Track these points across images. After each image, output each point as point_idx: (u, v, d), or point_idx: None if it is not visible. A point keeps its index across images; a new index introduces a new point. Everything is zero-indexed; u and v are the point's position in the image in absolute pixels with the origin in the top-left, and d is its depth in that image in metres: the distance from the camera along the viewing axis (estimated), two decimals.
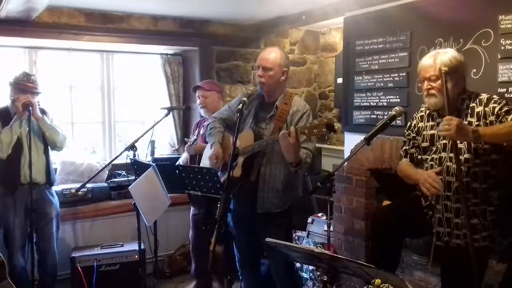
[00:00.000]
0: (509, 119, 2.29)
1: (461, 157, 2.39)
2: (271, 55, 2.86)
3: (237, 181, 2.82)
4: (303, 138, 2.62)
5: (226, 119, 3.09)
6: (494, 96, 2.41)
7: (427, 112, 2.61)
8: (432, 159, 2.52)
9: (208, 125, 3.16)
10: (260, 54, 2.93)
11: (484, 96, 2.41)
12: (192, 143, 3.80)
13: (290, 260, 2.83)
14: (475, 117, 2.39)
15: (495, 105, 2.35)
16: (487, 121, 2.35)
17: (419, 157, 2.62)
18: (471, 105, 2.42)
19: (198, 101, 3.91)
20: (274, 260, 3.03)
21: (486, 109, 2.36)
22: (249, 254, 3.13)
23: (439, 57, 2.41)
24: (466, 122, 2.37)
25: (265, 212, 2.85)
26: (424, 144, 2.59)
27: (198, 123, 4.13)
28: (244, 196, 2.88)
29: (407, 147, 2.69)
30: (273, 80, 2.86)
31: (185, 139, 3.83)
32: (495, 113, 2.33)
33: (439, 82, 2.37)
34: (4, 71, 4.11)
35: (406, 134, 2.71)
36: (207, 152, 3.22)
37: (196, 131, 3.96)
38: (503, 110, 2.32)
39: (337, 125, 5.17)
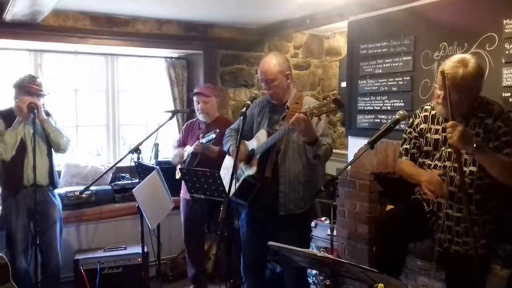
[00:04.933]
0: (506, 151, 2.25)
1: (465, 169, 2.35)
2: (270, 65, 2.85)
3: (254, 179, 2.83)
4: (315, 122, 2.65)
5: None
6: (504, 113, 2.34)
7: (432, 113, 2.52)
8: (435, 166, 2.47)
9: (225, 135, 3.21)
10: (260, 68, 2.92)
11: (495, 108, 2.34)
12: (207, 142, 3.68)
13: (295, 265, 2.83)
14: (483, 128, 2.33)
15: (502, 124, 2.29)
16: (487, 135, 2.31)
17: (420, 160, 2.56)
18: (479, 115, 2.35)
19: (197, 106, 3.89)
20: (285, 264, 3.03)
21: (494, 124, 2.30)
22: (255, 258, 3.12)
23: (464, 71, 2.23)
24: (474, 132, 2.33)
25: (287, 214, 2.84)
26: (427, 148, 2.52)
27: (191, 125, 4.06)
28: (261, 198, 2.88)
29: (408, 146, 2.60)
30: (280, 88, 2.88)
31: (201, 135, 3.72)
32: (498, 133, 2.29)
33: (456, 97, 2.26)
34: (9, 73, 4.13)
35: (407, 131, 2.62)
36: (227, 161, 3.22)
37: (217, 130, 3.78)
38: (504, 139, 2.27)
39: (341, 129, 5.18)
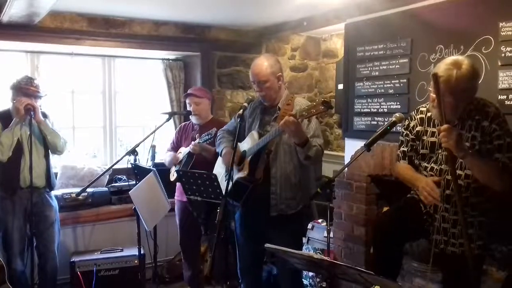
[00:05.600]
0: (496, 156, 2.25)
1: (461, 172, 2.34)
2: (262, 67, 2.87)
3: (246, 181, 2.85)
4: (306, 123, 2.69)
5: (234, 131, 3.12)
6: (500, 115, 2.31)
7: (428, 115, 2.50)
8: (431, 169, 2.46)
9: (217, 137, 3.23)
10: (251, 70, 2.93)
11: (491, 110, 2.31)
12: (204, 141, 3.68)
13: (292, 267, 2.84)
14: (480, 131, 2.31)
15: (496, 127, 2.27)
16: (484, 138, 2.29)
17: (416, 162, 2.55)
18: (476, 117, 2.32)
19: (189, 108, 3.89)
20: (280, 265, 3.03)
21: (489, 127, 2.28)
22: (252, 259, 3.13)
23: (458, 74, 2.19)
24: (470, 135, 2.32)
25: (279, 214, 2.85)
26: (423, 151, 2.51)
27: (185, 127, 4.07)
28: (253, 199, 2.88)
29: (405, 149, 2.58)
30: (272, 90, 2.90)
31: (196, 135, 3.75)
32: (492, 136, 2.27)
33: (451, 100, 2.23)
34: (6, 75, 4.12)
35: (404, 134, 2.60)
36: (219, 163, 3.23)
37: (213, 129, 3.78)
38: (497, 142, 2.26)
39: (338, 131, 5.18)
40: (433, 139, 2.47)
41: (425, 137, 2.50)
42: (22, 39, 4.01)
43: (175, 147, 4.00)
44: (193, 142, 3.69)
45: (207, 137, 3.57)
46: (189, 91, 3.92)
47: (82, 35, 4.20)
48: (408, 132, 2.57)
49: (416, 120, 2.54)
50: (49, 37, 4.08)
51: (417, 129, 2.53)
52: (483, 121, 2.31)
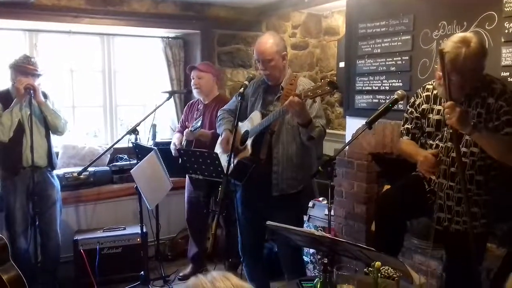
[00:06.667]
0: (506, 131, 2.22)
1: (466, 149, 2.33)
2: (267, 45, 2.84)
3: (249, 161, 2.84)
4: (309, 103, 2.67)
5: (235, 110, 3.11)
6: (507, 92, 2.28)
7: (434, 92, 2.47)
8: (437, 147, 2.45)
9: (217, 117, 3.20)
10: (256, 47, 2.90)
11: (498, 87, 2.28)
12: (194, 130, 3.73)
13: (293, 244, 2.86)
14: (485, 108, 2.29)
15: (504, 104, 2.24)
16: (490, 116, 2.27)
17: (422, 140, 2.54)
18: (482, 94, 2.30)
19: (192, 81, 3.89)
20: (281, 243, 3.05)
21: (496, 104, 2.25)
22: (253, 238, 3.15)
23: (466, 52, 2.17)
24: (476, 112, 2.30)
25: (281, 194, 2.86)
26: (429, 129, 2.49)
27: (191, 105, 4.08)
28: (255, 179, 2.88)
29: (409, 126, 2.57)
30: (276, 68, 2.87)
31: (186, 123, 3.78)
32: (499, 113, 2.25)
33: (459, 78, 2.20)
34: (4, 54, 4.08)
35: (408, 111, 2.58)
36: (219, 145, 3.24)
37: (200, 118, 3.88)
38: (505, 118, 2.23)
39: (339, 110, 5.16)
40: (438, 117, 2.45)
41: (430, 115, 2.48)
42: (19, 17, 3.96)
43: (184, 126, 3.99)
44: (185, 130, 3.72)
45: (196, 125, 3.60)
46: (193, 64, 3.91)
47: (80, 13, 4.14)
48: (413, 110, 2.56)
49: (422, 98, 2.52)
50: (46, 15, 4.03)
51: (422, 107, 2.51)
52: (488, 98, 2.29)
